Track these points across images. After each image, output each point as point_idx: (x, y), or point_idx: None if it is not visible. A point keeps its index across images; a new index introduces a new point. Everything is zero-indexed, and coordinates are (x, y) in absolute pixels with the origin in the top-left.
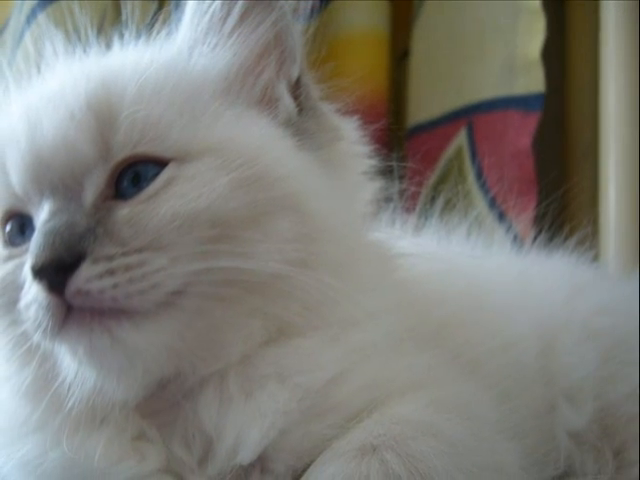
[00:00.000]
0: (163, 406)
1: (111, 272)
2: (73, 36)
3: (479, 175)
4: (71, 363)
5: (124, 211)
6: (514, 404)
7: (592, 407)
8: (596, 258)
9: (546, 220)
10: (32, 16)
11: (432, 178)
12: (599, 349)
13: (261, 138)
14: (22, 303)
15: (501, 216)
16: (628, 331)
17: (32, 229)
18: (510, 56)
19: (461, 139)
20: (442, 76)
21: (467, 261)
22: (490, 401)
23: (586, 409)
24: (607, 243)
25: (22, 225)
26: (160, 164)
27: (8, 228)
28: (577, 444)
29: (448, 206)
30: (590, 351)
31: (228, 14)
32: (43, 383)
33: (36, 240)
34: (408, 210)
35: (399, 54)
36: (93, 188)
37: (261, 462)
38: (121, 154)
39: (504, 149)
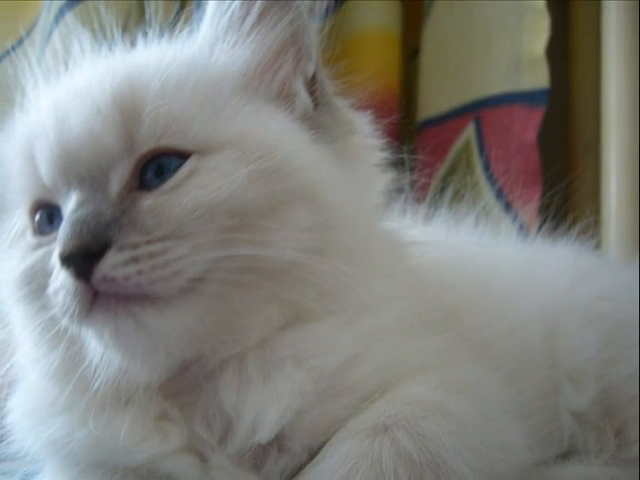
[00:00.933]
0: (185, 387)
1: (135, 259)
2: (99, 34)
3: (486, 167)
4: (97, 346)
5: (148, 201)
6: (520, 386)
7: (594, 388)
8: (598, 246)
9: (550, 210)
10: (60, 15)
11: (441, 170)
12: (601, 333)
13: (279, 132)
14: (50, 289)
15: (507, 206)
16: (629, 316)
17: (60, 218)
18: (516, 54)
19: (469, 133)
20: (451, 73)
21: (475, 249)
22: (497, 383)
23: (588, 390)
24: (608, 232)
25: (50, 215)
26: (182, 156)
27: (37, 218)
28: (580, 424)
29: (457, 196)
30: (592, 335)
31: (247, 13)
32: (70, 366)
33: (64, 229)
34: (419, 200)
35: (410, 52)
36: (118, 179)
37: (278, 441)
38: (145, 147)
39: (510, 142)
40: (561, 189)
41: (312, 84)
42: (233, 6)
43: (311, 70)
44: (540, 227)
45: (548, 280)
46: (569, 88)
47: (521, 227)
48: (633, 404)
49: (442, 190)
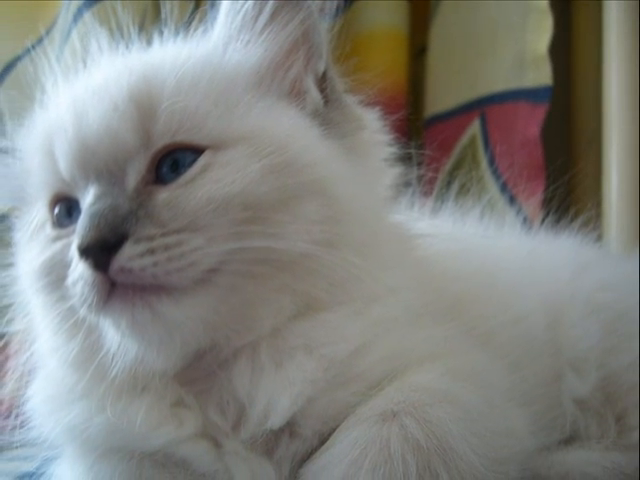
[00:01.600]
0: (200, 375)
1: (152, 251)
2: (116, 33)
3: (491, 162)
4: (114, 335)
5: (164, 195)
6: (524, 373)
7: (596, 376)
8: (599, 238)
9: (553, 203)
10: (78, 15)
11: (448, 164)
12: (602, 322)
13: (290, 127)
14: (69, 280)
15: (511, 200)
16: (629, 305)
17: (78, 212)
18: (520, 52)
19: (475, 128)
20: (457, 70)
21: (480, 241)
22: (502, 371)
23: (590, 378)
24: (609, 224)
25: (69, 208)
26: (197, 151)
27: (56, 211)
28: (582, 410)
29: (463, 190)
30: (594, 324)
31: (259, 13)
32: (89, 354)
33: (82, 222)
34: (426, 194)
35: (417, 50)
36: (135, 174)
37: (290, 427)
38: (161, 142)
39: (514, 138)
40: (563, 183)
41: (322, 81)
42: (246, 6)
43: (322, 68)
44: (543, 220)
45: (551, 271)
46: (571, 86)
47: (525, 220)
48: (633, 391)
49: (448, 184)
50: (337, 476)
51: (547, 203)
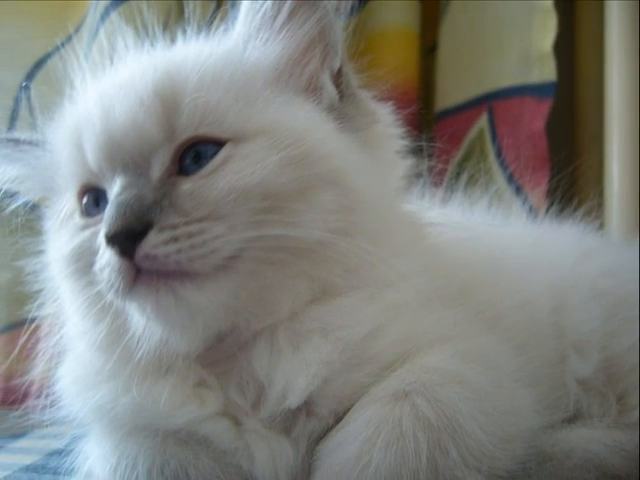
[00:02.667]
0: (221, 357)
1: (175, 239)
2: (142, 32)
3: (499, 154)
4: (140, 319)
5: (187, 185)
6: (529, 355)
7: (598, 358)
8: (601, 227)
9: (557, 193)
10: (106, 14)
11: (457, 157)
12: (604, 307)
13: (307, 121)
14: (97, 266)
15: (518, 190)
16: (630, 291)
17: (105, 201)
18: (526, 49)
19: (483, 122)
20: (466, 67)
21: (488, 229)
22: (508, 353)
23: (593, 359)
24: (611, 214)
25: (97, 198)
26: (218, 144)
27: (85, 200)
28: (584, 390)
29: (471, 181)
30: (596, 308)
31: (278, 13)
32: (115, 337)
33: (109, 211)
34: (436, 185)
35: (428, 48)
36: (159, 165)
37: (307, 406)
38: (184, 135)
39: (520, 131)
40: (567, 174)
41: (338, 77)
42: (265, 6)
43: (337, 64)
44: (548, 209)
45: (555, 258)
46: (574, 82)
47: (530, 209)
48: (634, 372)
49: (458, 175)
50: (352, 453)
51: (551, 193)
